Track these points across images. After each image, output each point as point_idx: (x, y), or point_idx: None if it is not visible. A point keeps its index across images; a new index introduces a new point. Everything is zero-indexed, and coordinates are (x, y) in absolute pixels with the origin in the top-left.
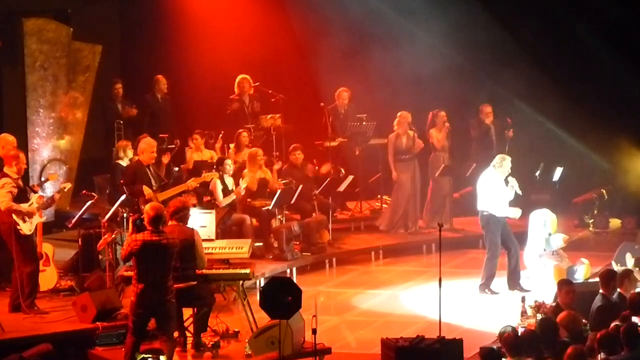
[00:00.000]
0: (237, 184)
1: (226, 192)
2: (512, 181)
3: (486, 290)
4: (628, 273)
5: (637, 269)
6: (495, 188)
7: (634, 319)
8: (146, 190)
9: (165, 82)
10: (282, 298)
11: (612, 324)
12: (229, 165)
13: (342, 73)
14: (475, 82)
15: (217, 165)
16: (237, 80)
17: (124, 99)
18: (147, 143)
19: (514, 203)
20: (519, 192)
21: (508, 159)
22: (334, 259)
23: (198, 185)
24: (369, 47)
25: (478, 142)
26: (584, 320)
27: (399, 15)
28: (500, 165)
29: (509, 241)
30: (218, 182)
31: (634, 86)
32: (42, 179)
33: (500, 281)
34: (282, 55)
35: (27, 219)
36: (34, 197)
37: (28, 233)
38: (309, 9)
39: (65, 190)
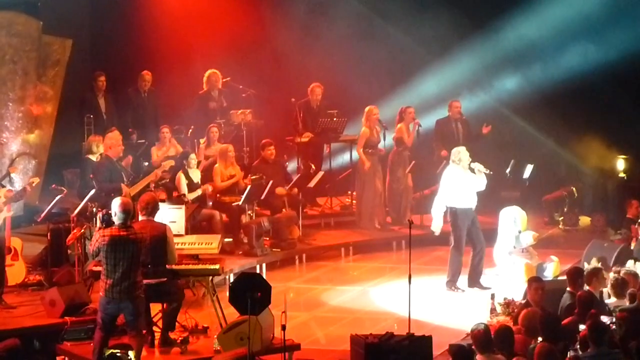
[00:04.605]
0: (207, 179)
1: (192, 186)
2: (477, 165)
3: (453, 288)
4: (597, 272)
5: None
6: (458, 182)
7: (603, 318)
8: (125, 189)
9: (149, 77)
10: (251, 294)
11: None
12: (193, 159)
13: (313, 68)
14: (445, 78)
15: (182, 160)
16: (207, 75)
17: (107, 92)
18: (114, 138)
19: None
20: (486, 171)
21: (463, 149)
22: (304, 255)
23: (167, 169)
24: (342, 41)
25: (444, 139)
26: None
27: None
28: (459, 159)
29: (475, 238)
30: (182, 176)
31: (604, 84)
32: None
33: (462, 279)
34: (253, 50)
35: None
36: (1, 192)
37: None
38: (282, 4)
39: (34, 184)
